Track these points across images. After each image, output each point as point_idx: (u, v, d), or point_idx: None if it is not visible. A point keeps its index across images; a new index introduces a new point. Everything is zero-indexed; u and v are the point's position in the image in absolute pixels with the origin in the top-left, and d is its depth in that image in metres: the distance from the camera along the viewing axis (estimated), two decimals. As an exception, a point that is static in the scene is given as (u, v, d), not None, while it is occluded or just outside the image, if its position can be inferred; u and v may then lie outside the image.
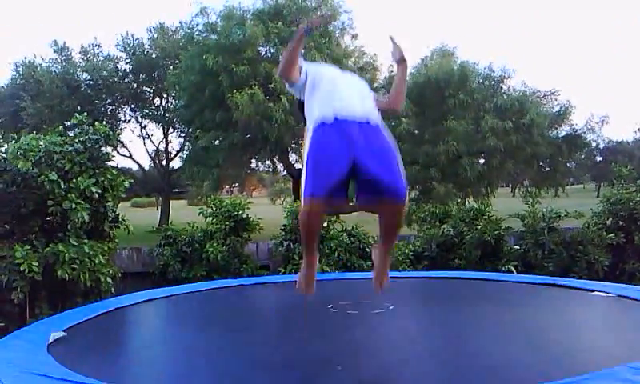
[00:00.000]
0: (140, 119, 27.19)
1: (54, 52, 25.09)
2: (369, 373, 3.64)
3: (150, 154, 28.43)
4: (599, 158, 43.41)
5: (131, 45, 25.12)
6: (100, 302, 6.84)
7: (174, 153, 27.67)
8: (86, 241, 8.47)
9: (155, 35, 25.31)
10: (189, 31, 22.24)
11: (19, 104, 22.85)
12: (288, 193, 30.46)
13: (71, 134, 9.36)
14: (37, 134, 9.33)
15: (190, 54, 19.34)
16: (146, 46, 25.37)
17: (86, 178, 8.53)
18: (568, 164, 21.53)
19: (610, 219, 11.26)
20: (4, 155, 8.50)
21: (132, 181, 10.34)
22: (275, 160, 21.98)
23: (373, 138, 3.03)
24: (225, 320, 5.40)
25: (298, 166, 22.11)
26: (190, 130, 21.05)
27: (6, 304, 8.08)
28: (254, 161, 22.50)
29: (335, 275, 8.62)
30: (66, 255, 8.04)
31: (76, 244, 8.26)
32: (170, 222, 15.74)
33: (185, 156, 23.57)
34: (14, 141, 8.83)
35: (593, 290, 5.92)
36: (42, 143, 8.74)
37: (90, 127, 9.10)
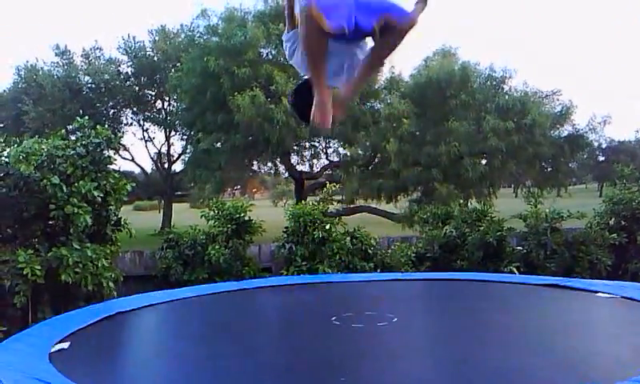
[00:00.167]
0: (142, 122, 27.22)
1: (56, 55, 25.15)
2: None
3: (152, 157, 28.49)
4: (601, 158, 43.38)
5: (133, 48, 25.15)
6: (102, 303, 6.85)
7: (175, 156, 27.73)
8: (88, 244, 8.47)
9: (156, 38, 25.33)
10: (190, 33, 22.27)
11: (21, 108, 22.90)
12: (290, 195, 30.47)
13: (73, 137, 9.37)
14: (39, 137, 9.33)
15: (191, 57, 19.36)
16: (148, 49, 25.39)
17: (88, 181, 8.54)
18: (570, 164, 21.48)
19: (613, 219, 11.25)
20: (6, 159, 8.50)
21: (134, 184, 10.34)
22: (277, 162, 21.97)
23: None
24: (227, 327, 5.39)
25: (299, 167, 22.13)
26: (192, 133, 21.07)
27: (9, 308, 8.06)
28: (255, 163, 22.49)
29: (337, 277, 8.61)
30: (70, 259, 8.04)
31: (79, 248, 8.26)
32: (172, 225, 15.73)
33: (187, 159, 23.59)
34: (16, 144, 8.84)
35: (596, 292, 5.91)
36: (44, 147, 8.75)
37: (92, 131, 9.10)
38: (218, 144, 18.82)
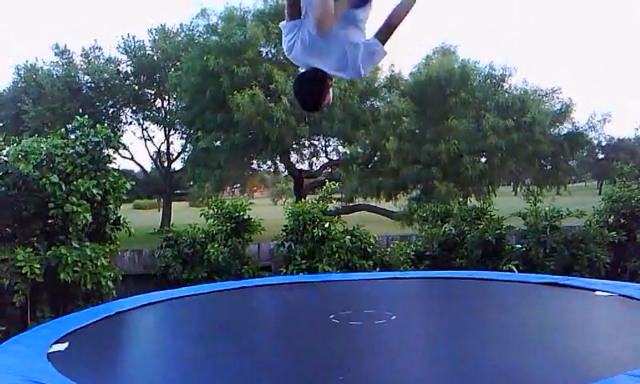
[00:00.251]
0: (141, 121, 27.21)
1: (56, 55, 25.13)
2: (370, 383, 3.64)
3: (151, 156, 28.49)
4: (601, 156, 43.33)
5: (132, 47, 25.12)
6: (102, 305, 6.85)
7: (175, 154, 27.73)
8: (87, 243, 8.48)
9: (156, 37, 25.31)
10: (190, 33, 22.24)
11: (21, 107, 22.88)
12: (289, 193, 30.46)
13: (73, 136, 9.37)
14: (38, 136, 9.34)
15: (190, 56, 19.36)
16: (147, 48, 25.37)
17: (87, 179, 8.54)
18: (570, 162, 21.46)
19: (612, 217, 11.25)
20: (5, 158, 8.51)
21: (133, 183, 10.34)
22: (276, 160, 21.97)
23: None
24: (226, 326, 5.38)
25: (299, 166, 22.13)
26: (192, 132, 21.07)
27: (8, 307, 8.08)
28: (255, 161, 22.50)
29: (337, 276, 8.62)
30: (69, 258, 8.05)
31: (78, 247, 8.26)
32: (171, 223, 15.73)
33: (186, 157, 23.58)
34: (15, 144, 8.85)
35: (595, 290, 5.91)
36: (43, 146, 8.76)
37: (92, 129, 9.11)
38: (218, 143, 18.82)
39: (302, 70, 2.79)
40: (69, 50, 25.29)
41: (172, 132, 26.78)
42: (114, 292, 8.64)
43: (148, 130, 27.50)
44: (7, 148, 8.80)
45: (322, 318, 5.30)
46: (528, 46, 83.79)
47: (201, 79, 18.27)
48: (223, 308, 6.29)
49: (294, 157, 22.07)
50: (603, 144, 37.51)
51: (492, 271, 9.07)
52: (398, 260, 10.43)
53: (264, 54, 19.12)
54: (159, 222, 24.84)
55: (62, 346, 4.35)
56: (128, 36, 25.09)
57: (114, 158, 9.94)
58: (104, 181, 8.85)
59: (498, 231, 10.68)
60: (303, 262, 10.14)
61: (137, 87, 26.10)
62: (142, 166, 28.92)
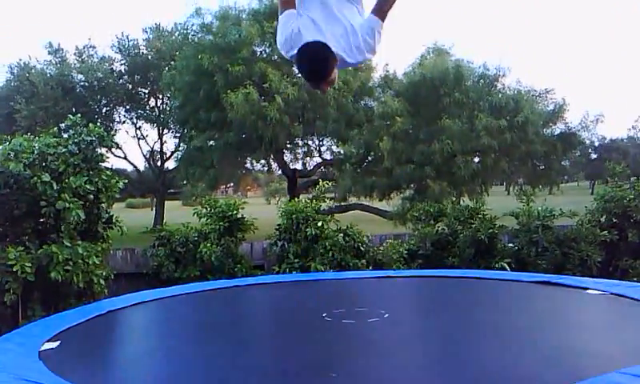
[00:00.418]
0: (135, 120, 27.14)
1: (49, 54, 25.05)
2: (363, 381, 3.64)
3: (144, 155, 28.42)
4: (594, 156, 43.59)
5: (126, 46, 25.06)
6: (94, 303, 6.82)
7: (168, 153, 27.66)
8: (79, 242, 8.45)
9: (150, 36, 25.25)
10: (184, 32, 22.18)
11: (13, 106, 22.78)
12: (283, 192, 30.44)
13: (65, 135, 9.33)
14: (30, 135, 9.29)
15: (185, 55, 19.31)
16: (142, 47, 25.31)
17: (80, 177, 8.51)
18: (562, 162, 21.53)
19: (604, 217, 11.29)
20: (-4, 157, 8.47)
21: (126, 182, 10.31)
22: (270, 160, 21.96)
23: None
24: (218, 325, 5.37)
25: (292, 165, 22.12)
26: (185, 131, 21.02)
27: (-1, 306, 8.05)
28: (248, 161, 22.47)
29: (330, 275, 8.62)
30: (60, 256, 8.01)
31: (69, 245, 8.23)
32: (164, 222, 15.70)
33: (180, 156, 23.52)
34: (7, 143, 8.80)
35: (587, 288, 5.94)
36: (35, 144, 8.71)
37: (84, 128, 9.08)
38: (211, 142, 18.79)
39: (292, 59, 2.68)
40: (62, 49, 25.27)
41: (165, 131, 26.76)
42: (106, 291, 8.62)
43: (141, 128, 27.53)
44: (-1, 147, 8.75)
45: (314, 316, 5.29)
46: (522, 46, 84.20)
47: (195, 78, 18.23)
48: (216, 307, 6.28)
49: (287, 156, 22.07)
50: (596, 144, 37.78)
51: (484, 270, 9.10)
52: (390, 259, 10.44)
53: (258, 53, 19.09)
54: (152, 220, 24.79)
55: (54, 345, 4.33)
56: (122, 35, 25.10)
57: (107, 157, 9.93)
58: (97, 179, 8.82)
59: (490, 230, 10.71)
60: (296, 260, 10.15)
61: (130, 86, 26.03)
62: (135, 165, 28.89)
